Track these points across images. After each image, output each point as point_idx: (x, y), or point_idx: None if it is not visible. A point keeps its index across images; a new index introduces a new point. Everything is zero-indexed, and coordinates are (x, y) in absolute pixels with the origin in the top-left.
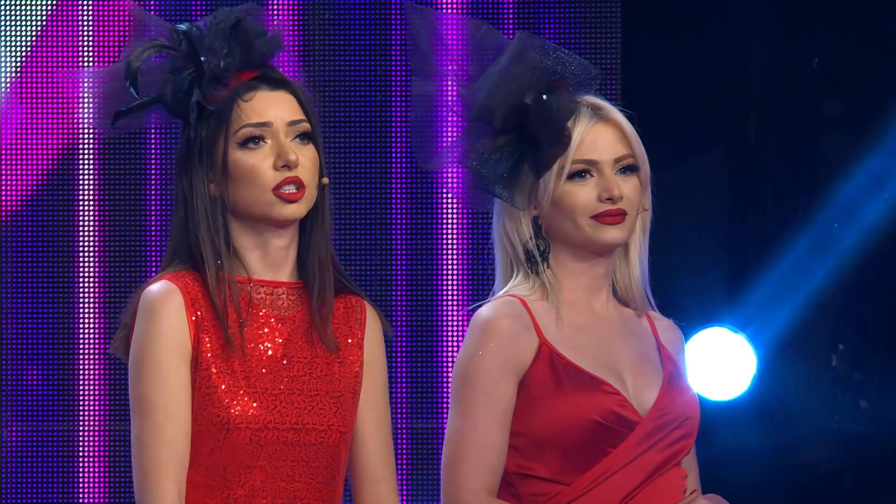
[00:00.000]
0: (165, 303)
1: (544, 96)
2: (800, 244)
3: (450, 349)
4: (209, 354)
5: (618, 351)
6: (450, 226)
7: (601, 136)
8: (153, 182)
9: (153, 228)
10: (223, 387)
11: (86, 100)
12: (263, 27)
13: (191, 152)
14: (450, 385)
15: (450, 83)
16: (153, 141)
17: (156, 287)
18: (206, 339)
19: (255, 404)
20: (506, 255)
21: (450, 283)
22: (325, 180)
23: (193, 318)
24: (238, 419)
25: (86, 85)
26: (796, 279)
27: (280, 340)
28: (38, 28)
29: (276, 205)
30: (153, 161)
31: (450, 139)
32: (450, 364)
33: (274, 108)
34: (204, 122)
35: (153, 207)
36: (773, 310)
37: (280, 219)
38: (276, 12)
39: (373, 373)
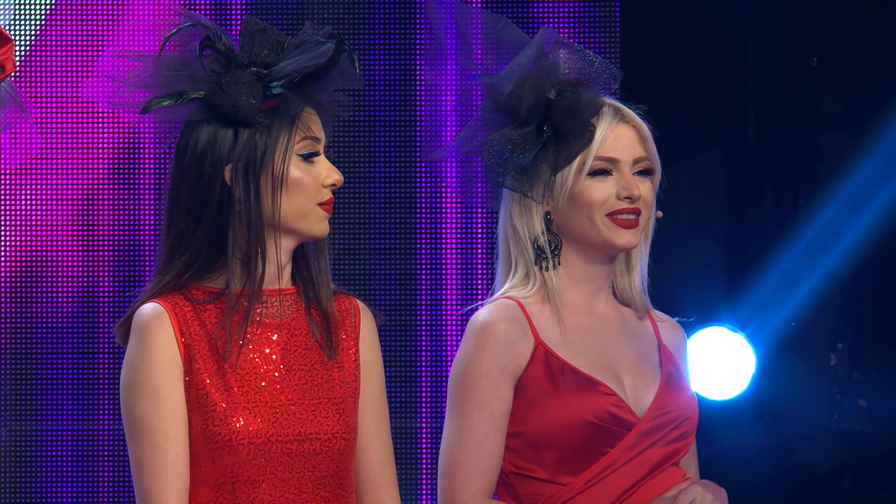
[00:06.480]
0: (155, 325)
1: (571, 91)
2: (799, 243)
3: (450, 350)
4: (203, 373)
5: (616, 352)
6: (450, 227)
7: (623, 135)
8: (150, 180)
9: (151, 227)
10: (223, 404)
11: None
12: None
13: (249, 159)
14: (446, 389)
15: (468, 75)
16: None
17: (145, 310)
18: (199, 358)
19: (256, 418)
20: (508, 250)
21: (449, 284)
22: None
23: (183, 339)
24: (240, 435)
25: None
26: (795, 278)
27: (278, 350)
28: (38, 28)
29: (321, 220)
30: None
31: (457, 132)
32: (448, 365)
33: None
34: (257, 128)
35: (150, 206)
36: (772, 309)
37: (318, 235)
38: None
39: (370, 375)
